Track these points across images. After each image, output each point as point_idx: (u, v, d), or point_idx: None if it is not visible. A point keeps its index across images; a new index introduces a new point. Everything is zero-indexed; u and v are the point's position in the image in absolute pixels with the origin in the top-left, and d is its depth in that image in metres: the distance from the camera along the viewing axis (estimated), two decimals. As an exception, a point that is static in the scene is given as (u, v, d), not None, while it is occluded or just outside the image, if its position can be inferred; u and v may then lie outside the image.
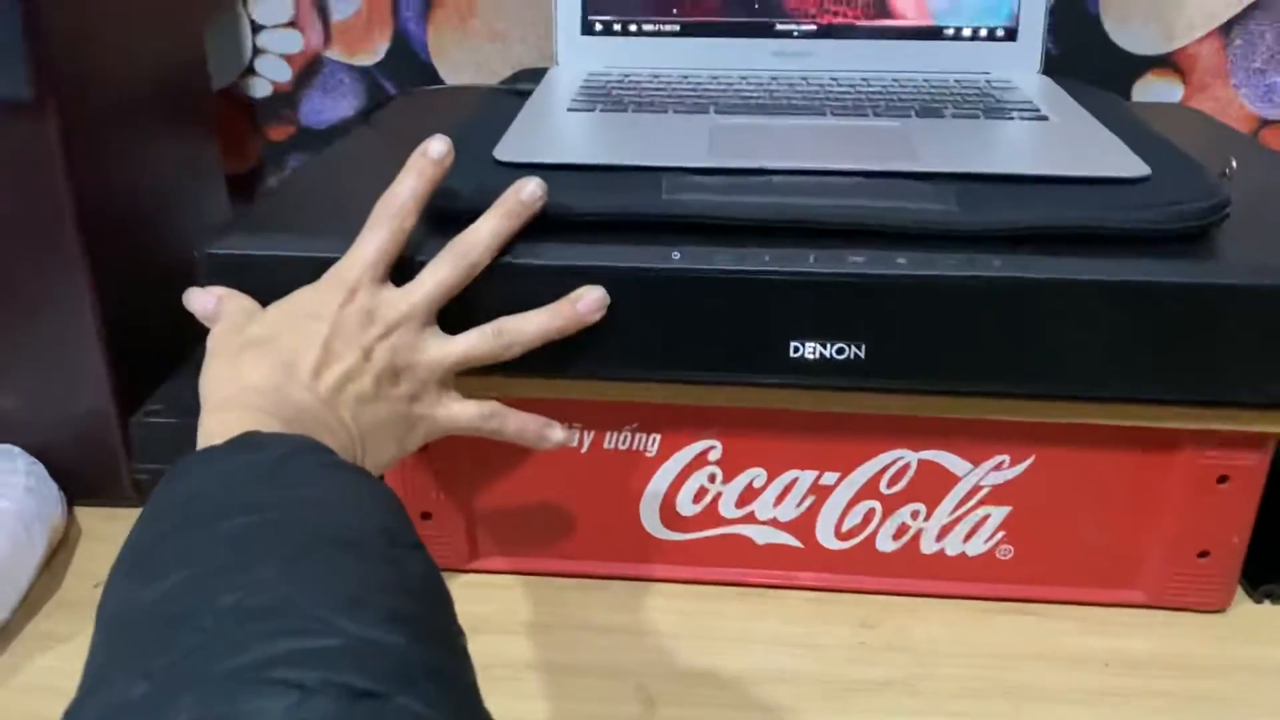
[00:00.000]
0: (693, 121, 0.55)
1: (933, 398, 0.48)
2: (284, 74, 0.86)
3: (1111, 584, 0.53)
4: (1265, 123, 0.82)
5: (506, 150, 0.51)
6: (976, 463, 0.51)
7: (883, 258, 0.45)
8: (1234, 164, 0.48)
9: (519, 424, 0.47)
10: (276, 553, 0.29)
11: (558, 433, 0.48)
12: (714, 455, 0.52)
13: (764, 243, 0.46)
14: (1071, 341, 0.45)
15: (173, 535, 0.31)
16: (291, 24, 0.84)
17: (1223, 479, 0.50)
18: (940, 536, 0.53)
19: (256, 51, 0.85)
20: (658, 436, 0.52)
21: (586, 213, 0.46)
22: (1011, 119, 0.55)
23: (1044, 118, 0.55)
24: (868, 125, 0.54)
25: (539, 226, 0.46)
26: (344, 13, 0.83)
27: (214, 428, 0.38)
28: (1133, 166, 0.48)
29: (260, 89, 0.86)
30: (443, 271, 0.45)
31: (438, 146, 0.45)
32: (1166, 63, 0.81)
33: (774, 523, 0.54)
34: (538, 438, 0.48)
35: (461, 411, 0.46)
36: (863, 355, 0.46)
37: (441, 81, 0.85)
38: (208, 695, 0.25)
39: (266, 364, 0.41)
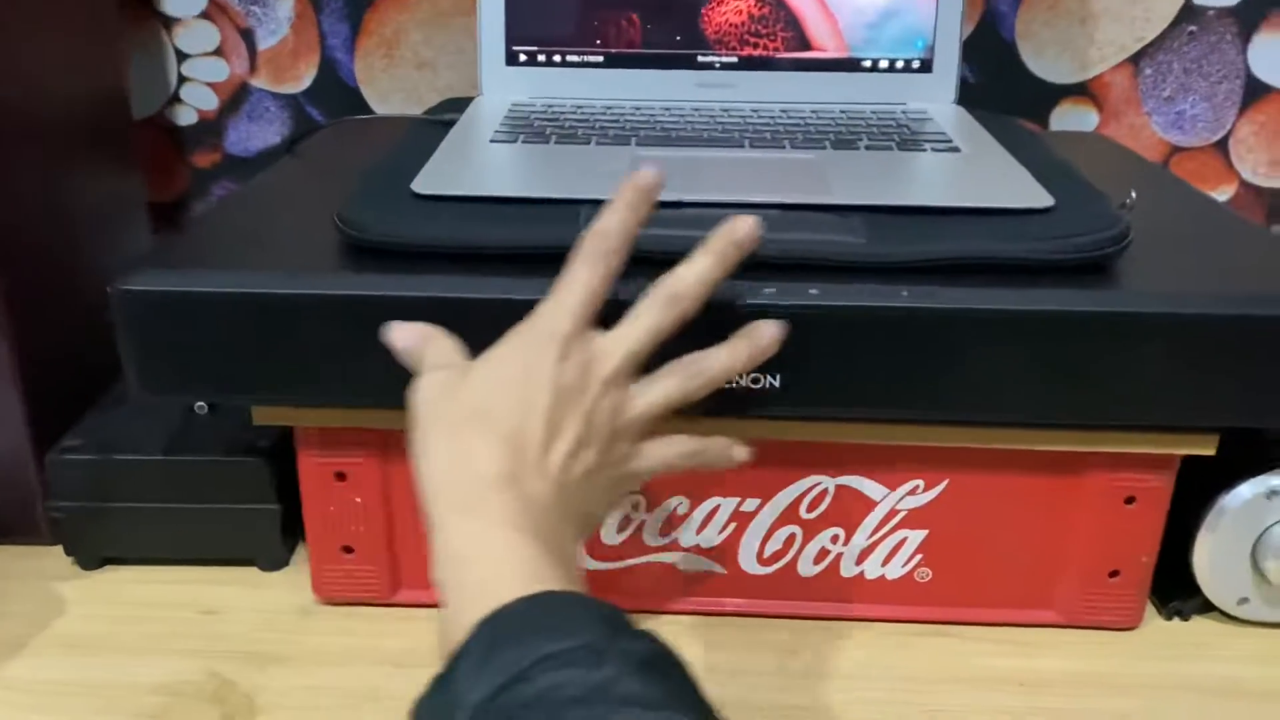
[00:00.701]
0: (614, 153, 0.55)
1: (848, 425, 0.49)
2: (210, 102, 0.85)
3: (1027, 605, 0.55)
4: (1176, 149, 0.85)
5: (425, 183, 0.51)
6: (892, 487, 0.52)
7: (794, 289, 0.46)
8: (1134, 195, 0.50)
9: (714, 450, 0.45)
10: None
11: (740, 451, 0.46)
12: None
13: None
14: (979, 369, 0.46)
15: None
16: (217, 52, 0.83)
17: (1130, 500, 0.51)
18: (860, 560, 0.54)
19: (182, 80, 0.84)
20: (581, 467, 0.52)
21: (504, 245, 0.47)
22: (924, 150, 0.57)
23: (955, 149, 0.57)
24: (784, 157, 0.55)
25: (455, 260, 0.46)
26: (270, 41, 0.83)
27: (462, 543, 0.36)
28: (1038, 198, 0.50)
29: (186, 117, 0.85)
30: (651, 319, 0.41)
31: (648, 177, 0.43)
32: (1082, 91, 0.83)
33: (697, 549, 0.54)
34: (724, 459, 0.45)
35: (666, 452, 0.43)
36: (778, 384, 0.47)
37: (369, 109, 0.85)
38: None
39: (493, 444, 0.38)
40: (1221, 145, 0.85)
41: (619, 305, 0.43)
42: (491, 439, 0.38)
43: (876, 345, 0.46)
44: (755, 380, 0.47)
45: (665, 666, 0.32)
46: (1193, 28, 0.81)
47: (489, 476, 0.37)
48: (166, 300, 0.46)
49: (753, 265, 0.46)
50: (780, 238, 0.47)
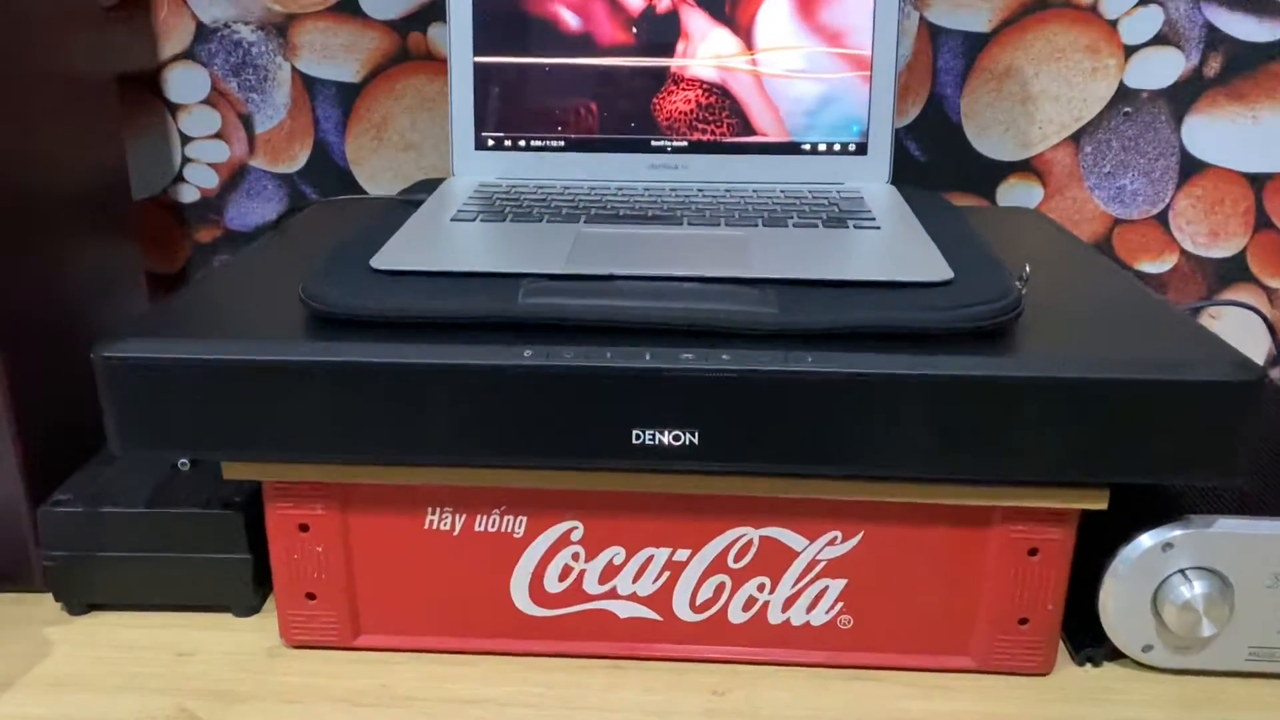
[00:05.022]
0: (561, 230, 0.61)
1: (765, 479, 0.54)
2: (211, 181, 0.91)
3: (943, 651, 0.58)
4: (1118, 221, 0.90)
5: (384, 259, 0.56)
6: (812, 539, 0.56)
7: (710, 354, 0.50)
8: (1028, 269, 0.54)
9: None
10: None
11: None
12: (576, 535, 0.57)
13: (607, 341, 0.51)
14: (879, 429, 0.50)
15: None
16: (218, 135, 0.90)
17: (1033, 551, 0.55)
18: (785, 608, 0.58)
19: (185, 160, 0.91)
20: (524, 518, 0.57)
21: (448, 316, 0.52)
22: (846, 228, 0.62)
23: (876, 227, 0.62)
24: (716, 234, 0.60)
25: (407, 329, 0.52)
26: (267, 125, 0.89)
27: None
28: (938, 271, 0.54)
29: (188, 195, 0.92)
30: None
31: None
32: (1026, 167, 0.89)
33: (634, 597, 0.58)
34: None
35: None
36: (697, 441, 0.51)
37: (359, 187, 0.91)
38: None
39: None
40: (1161, 218, 0.89)
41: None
42: None
43: (784, 407, 0.50)
44: (676, 437, 0.51)
45: None
46: (1128, 109, 0.86)
47: None
48: (143, 366, 0.51)
49: (675, 333, 0.51)
50: (700, 307, 0.51)
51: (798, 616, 0.58)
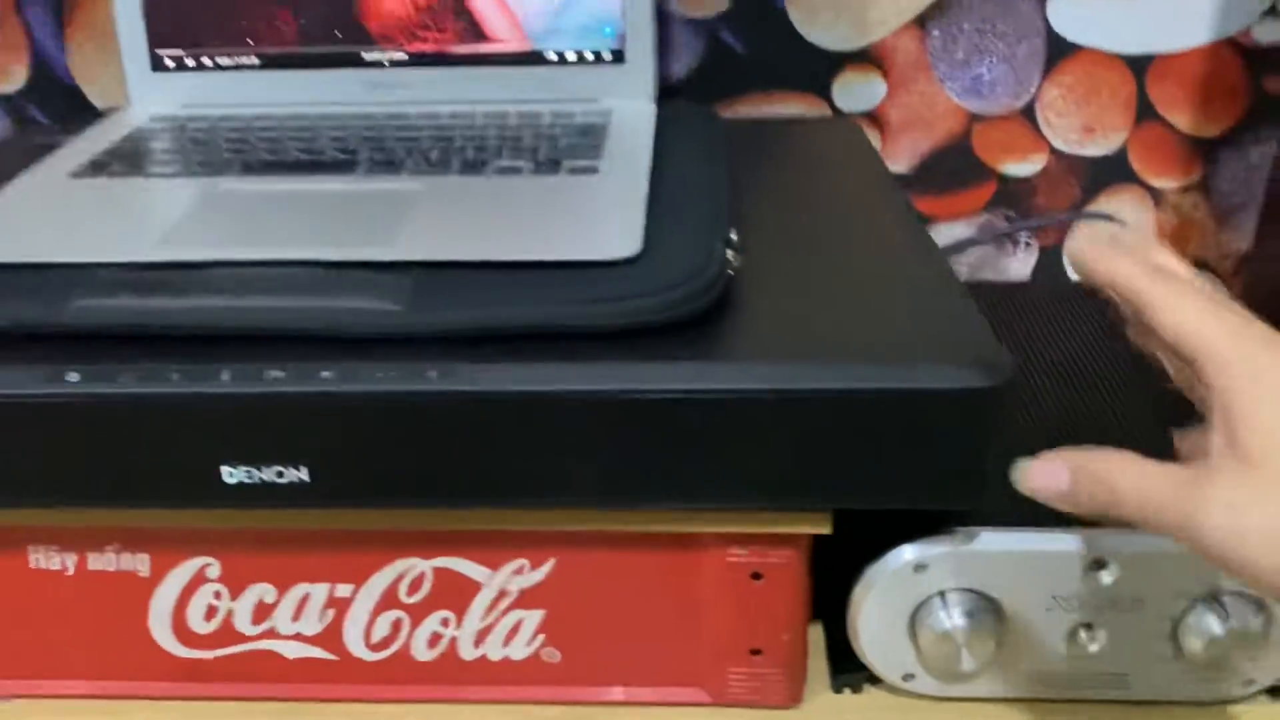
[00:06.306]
0: (192, 189, 0.49)
1: (419, 511, 0.44)
2: (-83, 105, 0.78)
3: (671, 683, 0.49)
4: (976, 118, 0.77)
5: (-70, 247, 0.44)
6: (495, 568, 0.46)
7: (306, 371, 0.39)
8: (735, 236, 0.43)
9: None
10: None
11: None
12: (213, 573, 0.47)
13: (179, 354, 0.40)
14: (531, 454, 0.40)
15: None
16: (-85, 51, 0.76)
17: (757, 576, 0.45)
18: (478, 642, 0.48)
19: (-114, 81, 0.78)
20: (146, 556, 0.47)
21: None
22: (557, 173, 0.49)
23: (594, 170, 0.50)
24: (385, 189, 0.48)
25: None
26: (-29, 37, 0.76)
27: None
28: (621, 246, 0.43)
29: (-105, 122, 0.79)
30: None
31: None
32: (864, 58, 0.75)
33: (300, 637, 0.49)
34: None
35: None
36: (307, 478, 0.41)
37: (93, 107, 0.78)
38: None
39: None
40: (1027, 111, 0.77)
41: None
42: None
43: (407, 433, 0.40)
44: (279, 474, 0.40)
45: None
46: (981, -17, 0.73)
47: None
48: None
49: (269, 339, 0.40)
50: (294, 307, 0.40)
51: (494, 651, 0.49)
